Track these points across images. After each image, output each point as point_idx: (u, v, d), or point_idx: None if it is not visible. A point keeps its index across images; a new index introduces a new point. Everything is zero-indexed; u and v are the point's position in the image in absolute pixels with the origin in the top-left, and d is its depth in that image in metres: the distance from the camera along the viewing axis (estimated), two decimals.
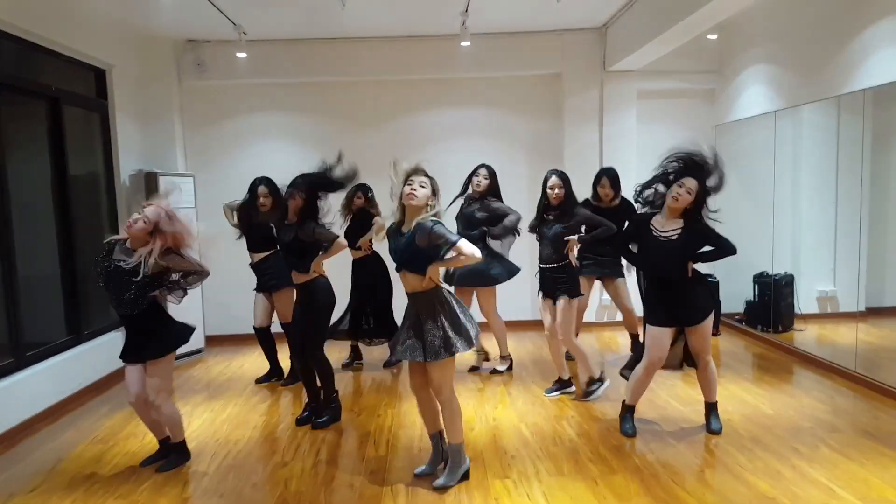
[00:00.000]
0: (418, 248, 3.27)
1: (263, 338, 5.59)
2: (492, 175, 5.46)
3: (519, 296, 6.59)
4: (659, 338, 3.93)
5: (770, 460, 3.64)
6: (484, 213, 5.35)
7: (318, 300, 4.36)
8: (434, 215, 3.33)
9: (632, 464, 3.65)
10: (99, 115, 6.17)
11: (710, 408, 4.13)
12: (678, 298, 3.88)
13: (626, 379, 5.65)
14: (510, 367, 5.63)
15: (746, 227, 6.71)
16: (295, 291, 4.49)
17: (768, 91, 6.28)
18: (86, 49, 5.71)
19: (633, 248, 4.12)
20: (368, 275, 5.74)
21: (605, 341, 6.73)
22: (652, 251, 3.93)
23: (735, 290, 6.89)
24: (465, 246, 3.22)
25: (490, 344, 5.81)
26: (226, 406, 5.02)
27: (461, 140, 7.25)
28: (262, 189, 5.16)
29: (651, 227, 3.92)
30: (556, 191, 4.67)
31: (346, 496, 3.39)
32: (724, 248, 3.86)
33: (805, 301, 6.50)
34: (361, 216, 5.73)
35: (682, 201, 3.80)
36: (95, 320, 5.78)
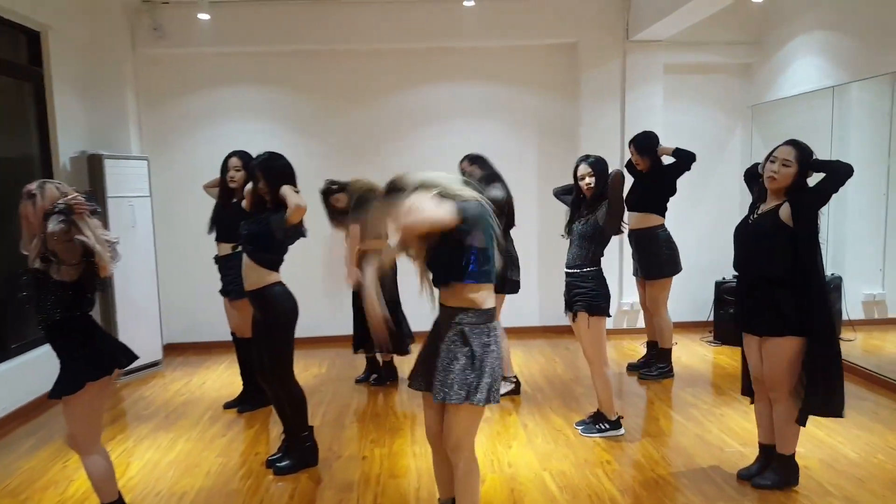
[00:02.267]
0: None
1: (242, 347, 4.62)
2: (476, 160, 4.62)
3: (524, 298, 5.68)
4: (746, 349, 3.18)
5: None
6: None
7: (274, 309, 3.45)
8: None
9: None
10: (32, 86, 5.18)
11: (779, 460, 3.19)
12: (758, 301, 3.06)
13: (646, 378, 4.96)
14: (517, 390, 4.72)
15: None
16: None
17: (823, 64, 5.37)
18: (15, 6, 4.71)
19: None
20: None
21: (625, 352, 5.84)
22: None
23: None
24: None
25: None
26: (176, 441, 4.09)
27: (461, 120, 6.32)
28: (233, 161, 4.42)
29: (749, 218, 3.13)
30: (587, 180, 3.76)
31: None
32: (835, 171, 2.93)
33: (851, 305, 5.76)
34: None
35: (782, 177, 2.94)
36: (24, 332, 4.81)
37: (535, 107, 6.40)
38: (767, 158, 3.02)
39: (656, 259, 4.90)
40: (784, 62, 5.86)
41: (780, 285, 2.96)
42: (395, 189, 2.48)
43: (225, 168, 4.48)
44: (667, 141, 6.00)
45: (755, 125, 6.31)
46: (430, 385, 2.48)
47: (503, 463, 3.59)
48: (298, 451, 3.59)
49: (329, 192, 4.88)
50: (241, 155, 4.44)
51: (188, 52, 6.12)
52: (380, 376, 5.11)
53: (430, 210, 2.35)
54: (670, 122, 6.12)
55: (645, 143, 4.96)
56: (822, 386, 2.92)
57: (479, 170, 4.53)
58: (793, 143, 2.99)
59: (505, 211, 4.32)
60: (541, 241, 6.31)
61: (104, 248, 2.67)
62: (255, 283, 3.45)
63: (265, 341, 3.49)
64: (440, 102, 6.34)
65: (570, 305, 3.83)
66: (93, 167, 5.30)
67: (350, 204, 4.66)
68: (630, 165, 5.10)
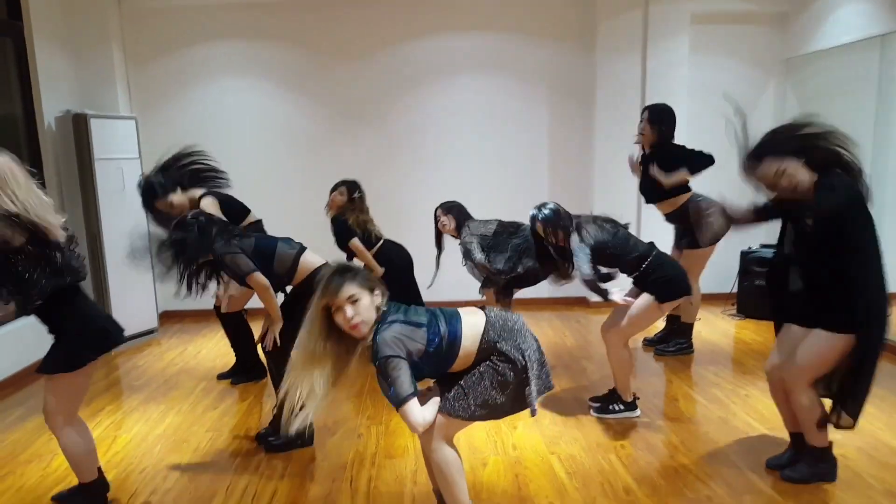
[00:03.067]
0: None
1: (229, 324, 4.40)
2: (451, 209, 4.34)
3: None
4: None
5: None
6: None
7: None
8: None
9: None
10: (12, 42, 4.88)
11: (812, 452, 2.85)
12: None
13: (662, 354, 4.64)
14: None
15: None
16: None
17: (870, 9, 4.84)
18: None
19: None
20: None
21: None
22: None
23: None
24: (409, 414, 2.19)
25: None
26: (166, 413, 3.88)
27: (466, 76, 5.92)
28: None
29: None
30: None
31: None
32: None
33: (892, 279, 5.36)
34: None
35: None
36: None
37: (545, 60, 5.92)
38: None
39: (699, 228, 4.50)
40: (824, 9, 5.32)
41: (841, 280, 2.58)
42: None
43: None
44: (693, 97, 5.59)
45: (790, 81, 5.83)
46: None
47: (507, 445, 3.31)
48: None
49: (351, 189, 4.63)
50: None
51: (178, 4, 5.75)
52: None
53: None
54: (696, 79, 5.69)
55: (663, 117, 4.35)
56: (861, 390, 2.57)
57: (454, 220, 4.24)
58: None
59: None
60: None
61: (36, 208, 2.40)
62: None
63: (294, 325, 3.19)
64: (442, 56, 5.91)
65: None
66: (78, 127, 5.01)
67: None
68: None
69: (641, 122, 4.43)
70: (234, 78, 5.90)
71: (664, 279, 3.39)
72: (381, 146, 6.01)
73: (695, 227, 4.37)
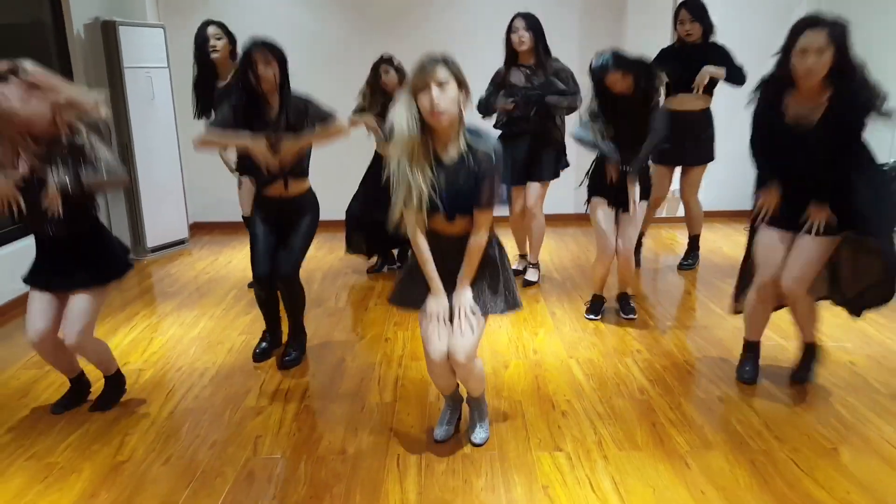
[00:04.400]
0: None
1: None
2: (534, 27, 4.08)
3: (559, 186, 5.39)
4: (770, 245, 2.81)
5: None
6: (540, 79, 4.09)
7: (312, 216, 3.27)
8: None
9: (733, 433, 2.62)
10: None
11: (811, 349, 3.03)
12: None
13: (686, 269, 4.72)
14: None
15: None
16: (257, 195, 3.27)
17: None
18: None
19: None
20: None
21: (665, 242, 5.59)
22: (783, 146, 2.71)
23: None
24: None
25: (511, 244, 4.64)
26: (200, 318, 4.07)
27: None
28: (212, 29, 4.03)
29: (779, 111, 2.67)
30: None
31: (336, 470, 2.44)
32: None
33: None
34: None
35: (815, 71, 2.50)
36: None
37: None
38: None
39: (709, 142, 4.52)
40: None
41: (836, 186, 2.62)
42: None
43: (203, 39, 4.05)
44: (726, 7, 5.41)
45: None
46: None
47: (528, 350, 3.47)
48: (301, 341, 3.49)
49: (383, 63, 4.41)
50: (220, 25, 4.09)
51: None
52: (393, 262, 4.95)
53: None
54: None
55: (703, 12, 4.30)
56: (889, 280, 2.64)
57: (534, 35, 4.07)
58: (819, 22, 2.51)
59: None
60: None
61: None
62: (296, 188, 3.21)
63: (299, 246, 3.24)
64: None
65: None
66: (107, 34, 5.02)
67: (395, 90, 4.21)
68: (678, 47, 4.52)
69: (682, 21, 4.32)
70: None
71: None
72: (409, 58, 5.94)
73: (703, 139, 4.44)
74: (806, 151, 2.63)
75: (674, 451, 2.50)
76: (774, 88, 2.68)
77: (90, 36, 5.09)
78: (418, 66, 2.18)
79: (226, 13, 5.74)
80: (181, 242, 5.67)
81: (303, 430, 2.72)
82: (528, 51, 4.10)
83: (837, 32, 2.48)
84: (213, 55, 4.03)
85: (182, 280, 4.85)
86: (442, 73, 2.14)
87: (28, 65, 2.42)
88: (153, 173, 5.32)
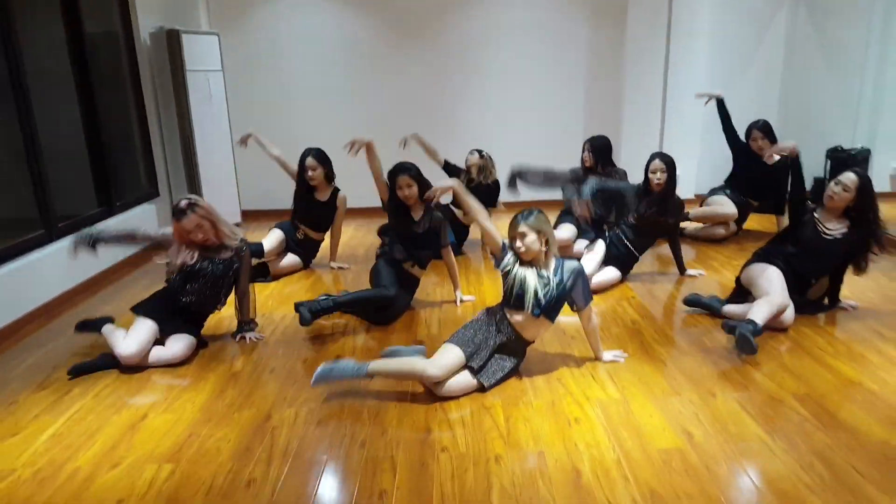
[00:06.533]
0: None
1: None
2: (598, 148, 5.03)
3: None
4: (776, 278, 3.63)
5: (852, 344, 3.38)
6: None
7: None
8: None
9: (702, 346, 3.42)
10: None
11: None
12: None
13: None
14: None
15: (824, 94, 6.09)
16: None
17: None
18: None
19: None
20: None
21: None
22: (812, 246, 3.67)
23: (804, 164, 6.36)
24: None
25: None
26: (265, 286, 4.80)
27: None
28: (310, 161, 4.77)
29: (816, 219, 3.69)
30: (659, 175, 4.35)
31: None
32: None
33: (878, 179, 6.03)
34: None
35: (839, 199, 3.56)
36: (125, 192, 5.54)
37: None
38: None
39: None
40: None
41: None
42: None
43: (303, 168, 4.77)
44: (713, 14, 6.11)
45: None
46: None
47: None
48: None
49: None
50: (316, 154, 4.78)
51: None
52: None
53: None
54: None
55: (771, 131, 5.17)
56: None
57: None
58: (857, 173, 3.57)
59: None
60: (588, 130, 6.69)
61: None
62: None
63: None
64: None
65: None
66: (171, 42, 5.78)
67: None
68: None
69: (757, 141, 5.18)
70: None
71: None
72: (434, 63, 6.73)
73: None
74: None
75: (655, 357, 3.31)
76: None
77: (155, 43, 5.87)
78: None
79: (276, 21, 6.53)
80: (237, 226, 6.44)
81: (370, 351, 3.50)
82: None
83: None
84: (312, 182, 4.80)
85: None
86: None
87: (201, 201, 3.47)
88: (210, 163, 6.11)
